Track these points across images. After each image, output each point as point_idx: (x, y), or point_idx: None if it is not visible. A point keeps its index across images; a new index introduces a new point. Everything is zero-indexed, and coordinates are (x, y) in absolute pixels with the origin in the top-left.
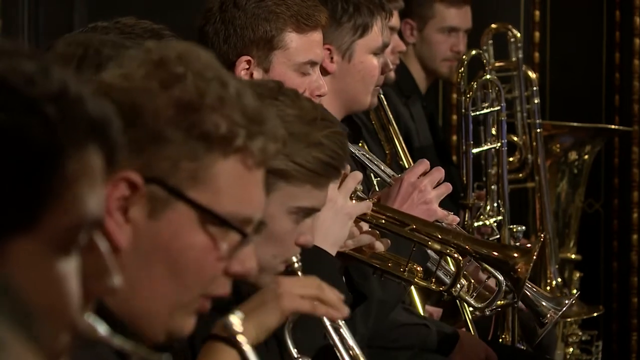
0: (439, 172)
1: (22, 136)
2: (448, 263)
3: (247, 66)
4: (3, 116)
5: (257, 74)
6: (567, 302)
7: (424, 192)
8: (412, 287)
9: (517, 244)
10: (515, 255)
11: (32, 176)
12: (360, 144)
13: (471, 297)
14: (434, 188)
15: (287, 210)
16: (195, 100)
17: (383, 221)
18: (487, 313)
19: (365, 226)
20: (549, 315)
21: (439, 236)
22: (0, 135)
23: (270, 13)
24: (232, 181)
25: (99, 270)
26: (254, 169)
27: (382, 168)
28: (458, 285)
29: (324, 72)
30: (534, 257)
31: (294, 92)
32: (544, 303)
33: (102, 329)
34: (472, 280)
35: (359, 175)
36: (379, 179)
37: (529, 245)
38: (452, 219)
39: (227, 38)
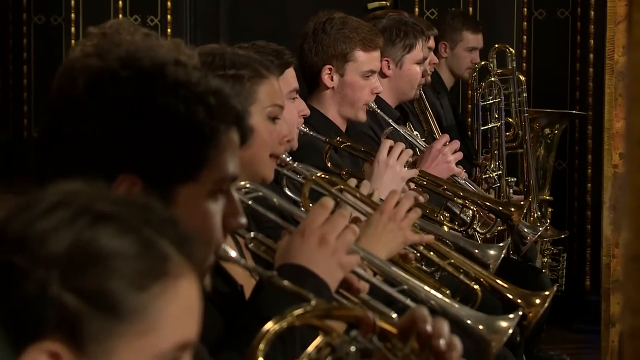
0: (456, 143)
1: (193, 119)
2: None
3: (329, 72)
4: (181, 106)
5: (336, 77)
6: (540, 228)
7: (446, 155)
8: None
9: (511, 191)
10: (513, 209)
11: (199, 145)
12: (407, 124)
13: (478, 226)
14: (453, 154)
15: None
16: None
17: (424, 182)
18: (488, 236)
19: (412, 185)
20: (528, 237)
21: (461, 194)
22: (177, 118)
23: (345, 37)
24: None
25: (233, 211)
26: None
27: (418, 141)
28: (473, 226)
29: (383, 75)
30: (524, 211)
31: None
32: (525, 230)
33: (233, 253)
34: (482, 215)
35: (410, 151)
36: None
37: (522, 203)
38: (464, 175)
39: (317, 53)
